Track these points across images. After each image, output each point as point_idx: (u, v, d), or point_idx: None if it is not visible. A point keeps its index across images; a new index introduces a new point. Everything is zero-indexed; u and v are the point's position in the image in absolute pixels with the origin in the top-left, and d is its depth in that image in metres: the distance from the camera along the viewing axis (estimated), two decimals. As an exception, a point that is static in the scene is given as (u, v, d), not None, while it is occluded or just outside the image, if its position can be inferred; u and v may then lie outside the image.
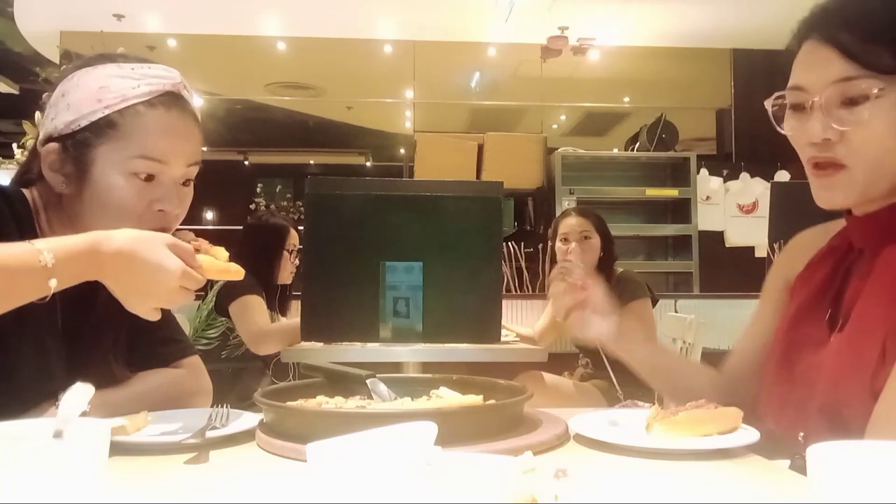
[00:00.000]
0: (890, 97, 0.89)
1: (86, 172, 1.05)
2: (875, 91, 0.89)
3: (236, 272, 1.02)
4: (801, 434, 0.96)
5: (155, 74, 1.09)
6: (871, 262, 0.96)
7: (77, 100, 1.06)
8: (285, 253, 3.04)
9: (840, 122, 0.91)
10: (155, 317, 0.96)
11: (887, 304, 0.90)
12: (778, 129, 0.99)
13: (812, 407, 0.95)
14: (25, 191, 1.10)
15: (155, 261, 0.90)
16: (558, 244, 2.99)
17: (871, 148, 0.91)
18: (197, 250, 0.98)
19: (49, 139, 1.07)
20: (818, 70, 0.93)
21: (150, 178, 1.07)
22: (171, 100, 1.09)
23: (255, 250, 2.99)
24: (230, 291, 2.86)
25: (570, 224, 2.96)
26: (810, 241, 1.14)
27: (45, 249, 0.87)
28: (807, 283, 1.08)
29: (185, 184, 1.12)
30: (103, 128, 1.05)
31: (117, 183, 1.05)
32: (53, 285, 0.87)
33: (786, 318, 1.08)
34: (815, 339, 1.01)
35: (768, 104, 1.00)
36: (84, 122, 1.05)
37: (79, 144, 1.05)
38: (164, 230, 1.10)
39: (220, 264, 1.00)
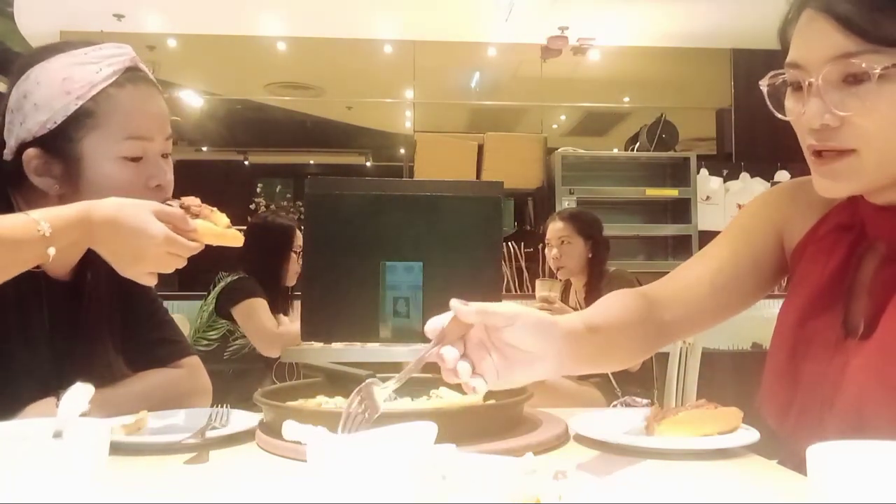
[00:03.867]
0: (894, 76, 0.77)
1: (77, 168, 1.04)
2: (878, 69, 0.77)
3: (233, 237, 1.02)
4: None
5: (110, 54, 1.08)
6: (894, 260, 0.88)
7: (43, 98, 1.03)
8: (292, 254, 3.01)
9: (840, 107, 0.80)
10: (149, 281, 0.98)
11: None
12: (777, 114, 0.89)
13: (830, 424, 0.88)
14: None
15: (137, 226, 0.92)
16: (547, 249, 3.07)
17: (879, 134, 0.80)
18: (196, 215, 0.99)
19: (25, 145, 1.04)
20: (815, 45, 0.81)
21: (137, 158, 1.07)
22: (134, 75, 1.09)
23: (262, 251, 2.94)
24: (233, 295, 2.84)
25: (552, 229, 3.05)
26: (814, 196, 0.97)
27: (42, 219, 0.90)
28: (814, 268, 0.97)
29: (165, 156, 1.12)
30: (81, 119, 1.04)
31: (111, 170, 1.05)
32: (52, 253, 0.90)
33: (793, 310, 0.98)
34: (827, 340, 0.92)
35: (763, 84, 0.88)
36: (59, 119, 1.03)
37: (60, 142, 1.04)
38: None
39: (216, 230, 1.00)
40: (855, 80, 0.79)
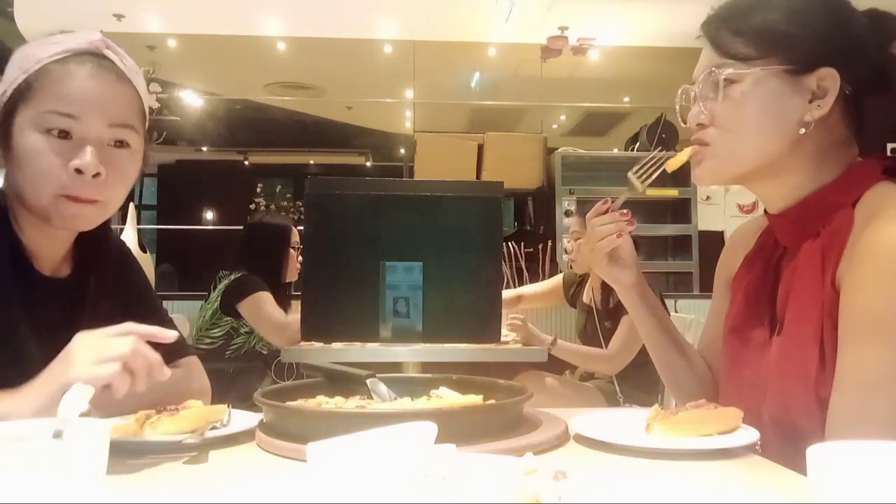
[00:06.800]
0: (744, 81, 1.00)
1: (10, 139, 1.05)
2: (725, 74, 1.01)
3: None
4: (758, 444, 0.96)
5: (72, 38, 1.08)
6: (795, 259, 1.01)
7: (7, 74, 1.07)
8: (291, 251, 3.09)
9: (706, 106, 1.04)
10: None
11: (814, 306, 0.94)
12: (682, 124, 1.10)
13: (765, 415, 0.98)
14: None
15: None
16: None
17: (727, 128, 1.02)
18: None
19: None
20: (700, 64, 1.08)
21: (65, 135, 1.04)
22: (87, 57, 1.08)
23: (261, 250, 3.04)
24: (238, 290, 2.88)
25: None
26: (748, 234, 1.20)
27: None
28: (743, 282, 1.13)
29: (117, 146, 1.08)
30: (22, 92, 1.05)
31: (33, 142, 1.03)
32: None
33: (728, 322, 1.13)
34: (758, 342, 1.05)
35: (677, 100, 1.12)
36: (10, 92, 1.05)
37: (4, 114, 1.06)
38: (93, 200, 1.06)
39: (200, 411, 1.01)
40: (716, 87, 1.03)
